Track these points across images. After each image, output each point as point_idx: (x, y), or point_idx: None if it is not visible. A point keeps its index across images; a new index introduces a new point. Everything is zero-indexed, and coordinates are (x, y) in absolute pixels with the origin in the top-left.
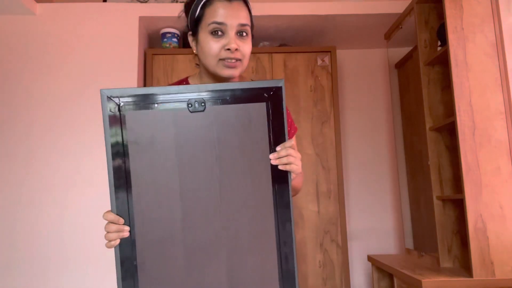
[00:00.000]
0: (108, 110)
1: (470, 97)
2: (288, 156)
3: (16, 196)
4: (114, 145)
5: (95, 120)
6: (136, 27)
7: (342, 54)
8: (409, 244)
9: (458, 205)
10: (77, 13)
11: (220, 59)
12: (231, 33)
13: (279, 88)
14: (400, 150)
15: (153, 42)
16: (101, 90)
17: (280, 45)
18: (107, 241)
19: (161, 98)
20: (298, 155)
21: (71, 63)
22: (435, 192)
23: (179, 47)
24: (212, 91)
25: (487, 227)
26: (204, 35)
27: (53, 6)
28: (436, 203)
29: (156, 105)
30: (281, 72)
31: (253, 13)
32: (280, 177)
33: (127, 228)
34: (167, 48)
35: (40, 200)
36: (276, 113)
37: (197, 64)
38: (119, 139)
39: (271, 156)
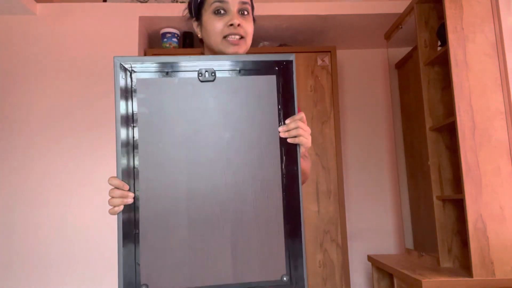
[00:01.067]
0: (120, 77)
1: (470, 97)
2: (298, 128)
3: (16, 196)
4: (123, 112)
5: (95, 120)
6: (136, 27)
7: (342, 54)
8: (409, 244)
9: (458, 205)
10: (77, 13)
11: (224, 37)
12: (233, 9)
13: (290, 62)
14: (400, 150)
15: (153, 42)
16: (114, 57)
17: (280, 45)
18: (110, 207)
19: (172, 67)
20: (308, 129)
21: (71, 63)
22: (435, 192)
23: (179, 47)
24: (222, 62)
25: (487, 227)
26: (207, 16)
27: (53, 6)
28: (436, 203)
29: (167, 73)
30: None
31: (254, 13)
32: (289, 150)
33: (131, 194)
34: (167, 48)
35: (40, 200)
36: (286, 87)
37: (202, 53)
38: (129, 105)
39: (280, 129)
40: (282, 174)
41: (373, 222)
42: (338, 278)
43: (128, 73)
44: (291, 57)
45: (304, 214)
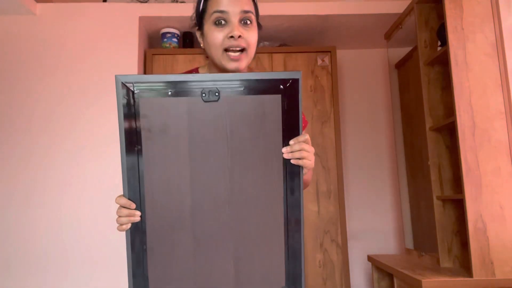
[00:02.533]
0: (122, 96)
1: (470, 97)
2: (301, 151)
3: (15, 196)
4: (127, 131)
5: (95, 120)
6: (136, 27)
7: (342, 54)
8: (409, 244)
9: (458, 205)
10: (77, 13)
11: (225, 49)
12: (234, 20)
13: (296, 81)
14: (400, 150)
15: (153, 42)
16: (116, 76)
17: (280, 45)
18: (118, 225)
19: (175, 86)
20: (312, 150)
21: (71, 63)
22: (435, 192)
23: (179, 47)
24: (227, 80)
25: (487, 227)
26: (208, 26)
27: (53, 6)
28: (436, 203)
29: (170, 92)
30: None
31: (258, 19)
32: (292, 172)
33: (138, 213)
34: (167, 48)
35: (38, 200)
36: (291, 106)
37: (207, 57)
38: (132, 125)
39: (284, 150)
40: (285, 194)
41: (373, 222)
42: (338, 278)
43: (131, 93)
44: (297, 75)
45: (304, 214)
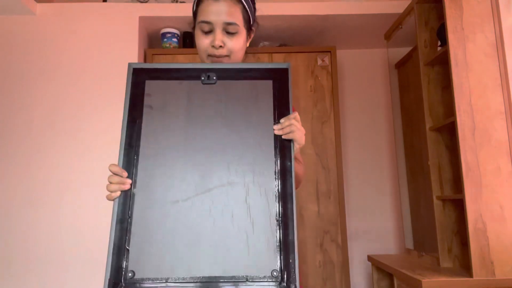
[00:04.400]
0: (131, 79)
1: (470, 97)
2: (291, 125)
3: (15, 196)
4: (131, 107)
5: (95, 120)
6: (136, 27)
7: (342, 54)
8: (409, 244)
9: (458, 205)
10: (77, 13)
11: (208, 55)
12: (218, 30)
13: (285, 70)
14: (400, 150)
15: (153, 42)
16: (128, 63)
17: (280, 45)
18: (108, 193)
19: (178, 71)
20: (302, 129)
21: (71, 63)
22: (435, 192)
23: (179, 47)
24: (224, 68)
25: (487, 227)
26: (197, 31)
27: (53, 6)
28: (436, 203)
29: (173, 77)
30: None
31: (253, 20)
32: (283, 147)
33: (129, 181)
34: (167, 48)
35: (38, 200)
36: (282, 90)
37: None
38: (137, 102)
39: (275, 126)
40: (276, 169)
41: (373, 222)
42: (338, 278)
43: (140, 77)
44: (286, 65)
45: (304, 214)
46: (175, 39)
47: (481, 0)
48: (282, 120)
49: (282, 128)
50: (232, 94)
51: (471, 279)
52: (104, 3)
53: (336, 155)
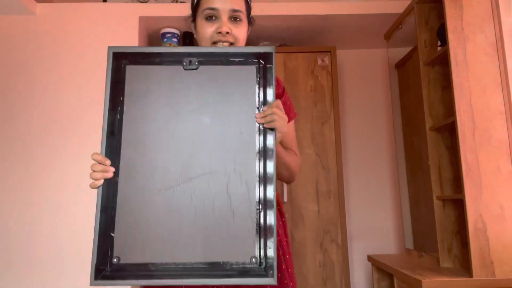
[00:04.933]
0: (112, 64)
1: (470, 97)
2: (273, 114)
3: (16, 196)
4: (112, 95)
5: (95, 120)
6: (136, 27)
7: (342, 54)
8: (409, 244)
9: (458, 205)
10: (77, 13)
11: (213, 42)
12: (224, 17)
13: (270, 54)
14: (400, 150)
15: (153, 42)
16: (108, 47)
17: (280, 45)
18: (91, 182)
19: (160, 56)
20: (284, 117)
21: (71, 63)
22: (435, 192)
23: None
24: (206, 53)
25: (487, 227)
26: (200, 20)
27: (53, 6)
28: (436, 203)
29: (155, 62)
30: (281, 72)
31: (254, 13)
32: (264, 136)
33: (112, 169)
34: None
35: (38, 200)
36: (266, 76)
37: None
38: (118, 90)
39: (257, 114)
40: (258, 158)
41: (373, 222)
42: (338, 278)
43: (120, 61)
44: (271, 49)
45: (304, 214)
46: (175, 39)
47: (481, 0)
48: (264, 108)
49: (264, 117)
50: (215, 80)
51: (471, 279)
52: (104, 3)
53: (336, 155)
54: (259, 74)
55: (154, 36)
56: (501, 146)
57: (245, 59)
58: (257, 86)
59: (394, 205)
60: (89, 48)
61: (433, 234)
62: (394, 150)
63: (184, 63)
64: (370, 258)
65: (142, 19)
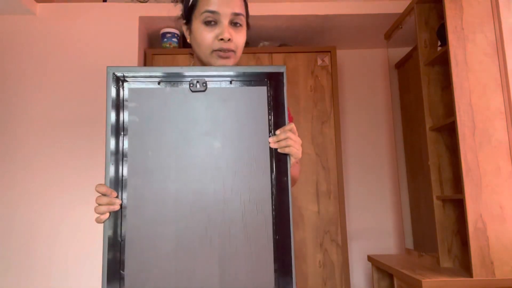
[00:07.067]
0: (112, 86)
1: (470, 97)
2: (288, 139)
3: (16, 196)
4: (114, 120)
5: (94, 121)
6: (136, 27)
7: (342, 54)
8: (409, 244)
9: (458, 205)
10: (77, 13)
11: (214, 50)
12: (225, 22)
13: (281, 74)
14: (400, 150)
15: (153, 42)
16: (107, 67)
17: (280, 45)
18: (96, 216)
19: (164, 77)
20: (298, 140)
21: (71, 63)
22: (435, 192)
23: (179, 47)
24: (214, 73)
25: (487, 227)
26: (197, 24)
27: (53, 6)
28: (436, 203)
29: (158, 83)
30: None
31: (254, 13)
32: (279, 161)
33: (118, 201)
34: (167, 48)
35: (39, 200)
36: (277, 98)
37: (191, 54)
38: (120, 114)
39: (270, 139)
40: (272, 185)
41: (373, 222)
42: (338, 278)
43: (121, 83)
44: (282, 69)
45: (304, 214)
46: (175, 39)
47: (481, 0)
48: (277, 132)
49: (278, 141)
50: (224, 102)
51: (471, 279)
52: (104, 3)
53: (336, 155)
54: (270, 94)
55: (154, 36)
56: (501, 146)
57: (254, 79)
58: (268, 108)
59: (394, 205)
60: (89, 48)
61: (433, 234)
62: (394, 150)
63: (191, 85)
64: (370, 258)
65: (142, 19)
